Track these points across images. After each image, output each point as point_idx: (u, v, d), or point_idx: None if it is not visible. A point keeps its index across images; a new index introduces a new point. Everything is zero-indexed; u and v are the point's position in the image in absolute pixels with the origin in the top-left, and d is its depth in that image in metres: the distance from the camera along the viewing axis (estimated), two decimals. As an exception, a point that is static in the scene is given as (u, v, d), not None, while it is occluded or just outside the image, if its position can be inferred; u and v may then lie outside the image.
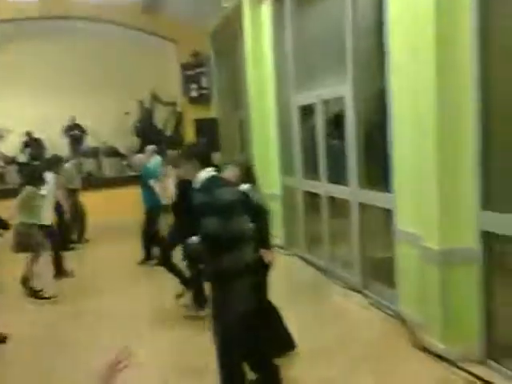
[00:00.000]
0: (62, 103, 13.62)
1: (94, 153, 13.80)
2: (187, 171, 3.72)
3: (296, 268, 7.32)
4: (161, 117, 13.88)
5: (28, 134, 13.43)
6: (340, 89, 5.95)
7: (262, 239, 4.23)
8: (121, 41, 13.32)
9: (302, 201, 7.60)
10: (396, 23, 4.65)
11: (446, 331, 4.10)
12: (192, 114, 13.13)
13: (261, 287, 4.25)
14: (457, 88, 3.88)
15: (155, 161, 8.66)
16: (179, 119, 13.75)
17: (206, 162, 3.62)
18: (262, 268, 4.25)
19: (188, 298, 5.76)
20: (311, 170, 7.17)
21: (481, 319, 3.96)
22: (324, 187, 6.69)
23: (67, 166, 10.67)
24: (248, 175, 4.39)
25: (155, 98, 13.59)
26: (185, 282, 5.94)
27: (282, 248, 8.31)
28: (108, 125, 13.52)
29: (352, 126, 5.75)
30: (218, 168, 3.78)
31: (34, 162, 13.20)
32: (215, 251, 3.42)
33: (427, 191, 4.14)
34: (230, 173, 4.16)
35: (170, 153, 7.21)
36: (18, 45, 13.42)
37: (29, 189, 6.68)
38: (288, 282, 6.70)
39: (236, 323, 3.51)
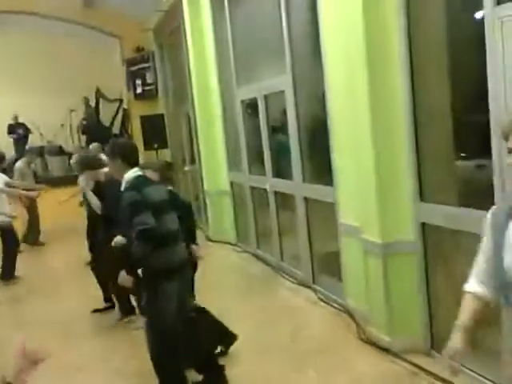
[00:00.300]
0: (3, 101, 13.15)
1: (40, 152, 13.34)
2: (114, 170, 3.63)
3: (247, 265, 7.25)
4: (107, 114, 13.57)
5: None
6: (280, 83, 5.88)
7: (191, 236, 4.28)
8: (63, 36, 12.90)
9: (250, 197, 7.53)
10: (328, 16, 4.60)
11: (391, 324, 4.10)
12: (138, 110, 12.84)
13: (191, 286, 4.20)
14: (389, 84, 3.86)
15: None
16: (126, 116, 13.46)
17: (131, 161, 3.56)
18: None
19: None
20: (257, 166, 7.10)
21: (424, 310, 3.98)
22: (270, 182, 6.63)
23: (19, 164, 10.21)
24: (166, 178, 4.32)
25: (100, 95, 13.25)
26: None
27: (233, 245, 8.24)
28: (53, 123, 13.14)
29: (293, 120, 5.69)
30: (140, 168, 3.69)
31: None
32: (149, 250, 3.33)
33: (366, 185, 4.12)
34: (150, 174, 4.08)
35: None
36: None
37: None
38: (238, 279, 6.64)
39: (171, 327, 3.44)
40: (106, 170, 5.08)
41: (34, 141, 13.49)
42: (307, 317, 5.12)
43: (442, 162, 3.86)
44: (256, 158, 7.15)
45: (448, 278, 3.88)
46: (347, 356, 4.21)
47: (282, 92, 5.82)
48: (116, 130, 13.77)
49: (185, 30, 8.79)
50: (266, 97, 6.44)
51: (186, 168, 10.71)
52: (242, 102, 7.27)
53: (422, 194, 3.85)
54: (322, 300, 5.43)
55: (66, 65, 13.02)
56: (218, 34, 7.86)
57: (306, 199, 5.74)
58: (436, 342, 3.94)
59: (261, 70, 6.67)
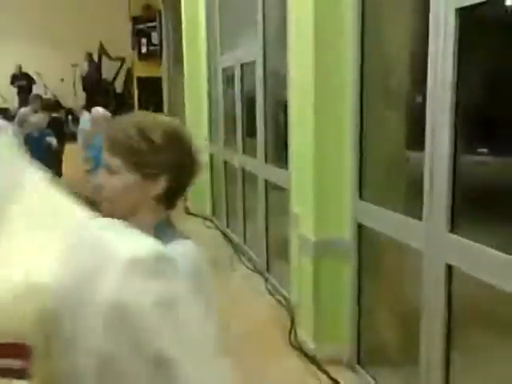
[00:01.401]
0: (7, 50, 12.88)
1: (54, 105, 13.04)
2: None
3: (211, 243, 6.87)
4: (110, 72, 13.20)
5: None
6: (252, 52, 5.40)
7: None
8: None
9: (222, 171, 7.12)
10: None
11: (317, 329, 3.70)
12: (141, 70, 12.47)
13: None
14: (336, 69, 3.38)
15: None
16: (129, 76, 13.08)
17: None
18: None
19: None
20: (231, 139, 6.67)
21: (353, 319, 3.56)
22: (238, 158, 6.20)
23: (23, 110, 9.78)
24: None
25: (103, 52, 12.87)
26: None
27: (208, 220, 7.89)
28: (55, 76, 12.84)
29: (260, 95, 5.23)
30: None
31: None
32: None
33: (305, 174, 3.68)
34: None
35: None
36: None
37: None
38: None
39: None
40: None
41: (38, 92, 13.23)
42: (246, 310, 4.74)
43: (389, 156, 3.40)
44: (232, 130, 6.71)
45: (381, 287, 3.46)
46: (269, 358, 3.83)
47: (254, 62, 5.35)
48: (119, 89, 13.43)
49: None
50: (242, 66, 5.97)
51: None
52: (224, 70, 6.80)
53: (362, 192, 3.40)
54: (269, 291, 5.05)
55: (71, 17, 12.63)
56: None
57: (266, 181, 5.31)
58: (362, 355, 3.54)
59: (241, 38, 6.18)
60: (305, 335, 3.84)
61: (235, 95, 6.20)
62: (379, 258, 3.46)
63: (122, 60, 12.90)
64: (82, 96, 13.13)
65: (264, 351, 3.93)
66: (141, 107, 10.95)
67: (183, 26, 8.27)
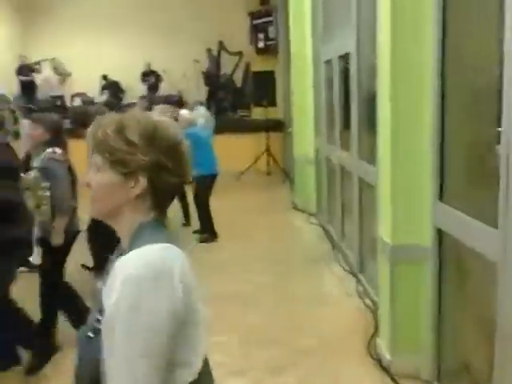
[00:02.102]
0: (137, 49, 13.67)
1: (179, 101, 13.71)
2: None
3: (312, 240, 6.75)
4: (229, 67, 13.47)
5: (104, 77, 13.71)
6: (348, 43, 5.17)
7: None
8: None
9: (325, 167, 6.95)
10: None
11: (394, 340, 3.45)
12: (259, 65, 12.57)
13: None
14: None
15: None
16: (247, 70, 13.25)
17: None
18: None
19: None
20: (331, 133, 6.47)
21: (432, 332, 3.27)
22: (337, 154, 6.00)
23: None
24: (56, 137, 3.84)
25: (222, 47, 13.15)
26: None
27: (312, 215, 7.77)
28: (178, 72, 13.37)
29: (354, 88, 4.99)
30: None
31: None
32: None
33: (383, 174, 3.44)
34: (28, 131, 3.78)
35: None
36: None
37: None
38: (293, 256, 6.18)
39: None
40: None
41: (165, 89, 13.93)
42: (332, 310, 4.58)
43: (475, 153, 3.05)
44: (332, 125, 6.51)
45: (464, 297, 3.12)
46: (346, 364, 3.66)
47: (349, 54, 5.13)
48: (238, 84, 13.67)
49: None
50: (339, 58, 5.75)
51: (289, 129, 10.28)
52: (326, 62, 6.61)
53: (443, 193, 3.09)
54: (359, 293, 4.82)
55: (192, 15, 13.06)
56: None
57: (360, 179, 5.07)
58: (442, 371, 3.23)
59: (341, 29, 5.94)
60: (382, 345, 3.61)
61: (333, 88, 6.00)
62: (461, 266, 3.12)
63: (240, 54, 13.10)
64: (203, 91, 13.57)
65: (341, 357, 3.77)
66: (255, 101, 11.05)
67: (290, 19, 8.19)
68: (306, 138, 7.97)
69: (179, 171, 1.31)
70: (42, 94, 12.94)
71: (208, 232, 6.65)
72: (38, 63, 12.91)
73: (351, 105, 5.12)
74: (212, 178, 6.58)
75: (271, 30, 12.43)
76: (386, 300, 3.48)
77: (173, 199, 1.37)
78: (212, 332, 1.47)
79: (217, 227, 6.78)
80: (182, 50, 13.09)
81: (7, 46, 13.60)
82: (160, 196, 1.30)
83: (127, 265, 1.16)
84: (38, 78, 13.10)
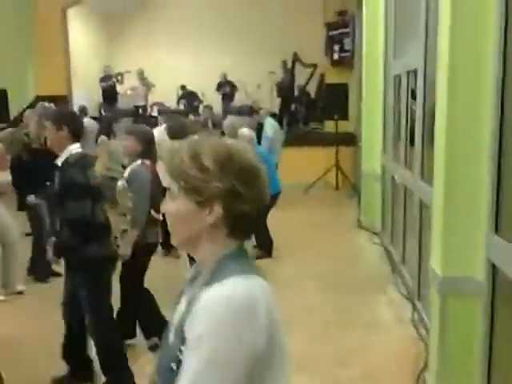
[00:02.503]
0: (214, 60, 13.94)
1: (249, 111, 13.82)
2: (55, 141, 3.37)
3: (372, 261, 6.52)
4: (303, 78, 13.40)
5: (183, 87, 14.05)
6: (416, 59, 4.95)
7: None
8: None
9: (390, 185, 6.70)
10: None
11: (442, 377, 3.22)
12: (333, 77, 12.41)
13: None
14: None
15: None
16: (321, 82, 13.12)
17: (77, 135, 3.28)
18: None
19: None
20: (397, 151, 6.24)
21: (482, 374, 3.02)
22: (400, 172, 5.76)
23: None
24: (148, 149, 3.86)
25: (296, 59, 13.10)
26: None
27: (376, 234, 7.52)
28: (253, 83, 13.48)
29: (420, 106, 4.77)
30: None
31: (190, 114, 13.87)
32: (82, 237, 3.15)
33: (436, 200, 3.23)
34: (124, 142, 3.75)
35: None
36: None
37: None
38: (347, 277, 5.95)
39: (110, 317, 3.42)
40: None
41: (239, 99, 14.08)
42: (384, 339, 4.36)
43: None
44: (398, 142, 6.27)
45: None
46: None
47: (416, 70, 4.92)
48: (312, 95, 13.58)
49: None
50: (408, 74, 5.53)
51: (360, 144, 10.04)
52: (395, 77, 6.39)
53: (499, 225, 2.85)
54: (414, 322, 4.58)
55: (268, 26, 13.14)
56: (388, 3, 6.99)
57: (421, 200, 4.82)
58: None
59: (410, 44, 5.72)
60: (430, 381, 3.38)
61: (400, 104, 5.78)
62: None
63: (315, 66, 12.99)
64: (277, 102, 13.59)
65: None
66: (327, 114, 10.90)
67: (363, 32, 8.02)
68: (374, 153, 7.74)
69: (255, 197, 1.25)
70: (124, 103, 13.41)
71: (263, 249, 6.57)
72: (120, 74, 13.43)
73: (416, 122, 4.90)
74: (273, 198, 6.52)
75: (347, 42, 12.25)
76: (436, 333, 3.27)
77: (254, 226, 1.32)
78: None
79: (278, 240, 6.70)
80: (258, 61, 13.19)
81: (94, 55, 14.30)
82: (237, 224, 1.25)
83: (212, 299, 1.14)
84: (127, 88, 13.61)
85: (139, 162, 3.86)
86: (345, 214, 9.00)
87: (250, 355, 1.11)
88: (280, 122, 11.69)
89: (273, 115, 10.67)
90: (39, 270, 5.61)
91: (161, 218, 3.92)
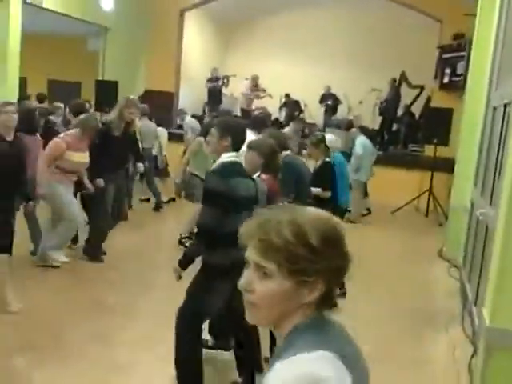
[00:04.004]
0: (319, 72, 13.98)
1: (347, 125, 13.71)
2: (214, 146, 3.46)
3: (443, 295, 6.23)
4: (407, 98, 13.03)
5: (287, 95, 14.21)
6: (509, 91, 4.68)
7: None
8: (380, 12, 12.81)
9: (475, 219, 6.35)
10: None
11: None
12: (439, 101, 11.96)
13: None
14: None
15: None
16: (427, 105, 12.69)
17: (237, 145, 3.35)
18: None
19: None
20: (486, 186, 5.91)
21: None
22: (484, 209, 5.44)
23: (286, 130, 10.90)
24: (270, 164, 3.81)
25: (404, 79, 12.75)
26: None
27: (455, 268, 7.17)
28: (356, 98, 13.34)
29: (510, 142, 4.49)
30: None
31: (290, 122, 13.99)
32: (208, 243, 3.22)
33: (496, 244, 3.05)
34: (248, 158, 3.76)
35: None
36: (292, 10, 14.22)
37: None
38: (416, 310, 5.70)
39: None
40: None
41: (341, 113, 13.98)
42: (430, 376, 4.16)
43: None
44: (488, 177, 5.94)
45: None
46: None
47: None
48: (416, 117, 13.19)
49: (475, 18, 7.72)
50: (505, 106, 5.22)
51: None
52: (494, 109, 6.06)
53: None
54: (471, 366, 4.31)
55: (378, 42, 12.93)
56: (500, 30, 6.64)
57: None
58: None
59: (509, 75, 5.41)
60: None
61: (493, 137, 5.48)
62: None
63: (422, 88, 12.58)
64: (378, 120, 13.35)
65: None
66: (427, 137, 10.56)
67: (471, 58, 7.69)
68: (465, 185, 7.38)
69: (349, 267, 1.21)
70: (228, 105, 13.78)
71: None
72: (227, 77, 13.82)
73: (505, 161, 4.62)
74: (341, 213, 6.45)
75: (460, 66, 11.74)
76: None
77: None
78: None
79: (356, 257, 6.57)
80: (363, 77, 13.04)
81: (204, 57, 14.85)
82: (330, 298, 1.18)
83: (278, 375, 1.08)
84: (233, 91, 14.01)
85: (257, 176, 3.81)
86: (428, 241, 8.66)
87: None
88: (376, 140, 11.49)
89: (369, 132, 10.50)
90: (93, 251, 5.99)
91: None
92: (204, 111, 13.65)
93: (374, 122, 13.08)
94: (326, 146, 5.70)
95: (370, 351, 4.39)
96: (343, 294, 5.79)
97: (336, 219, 1.19)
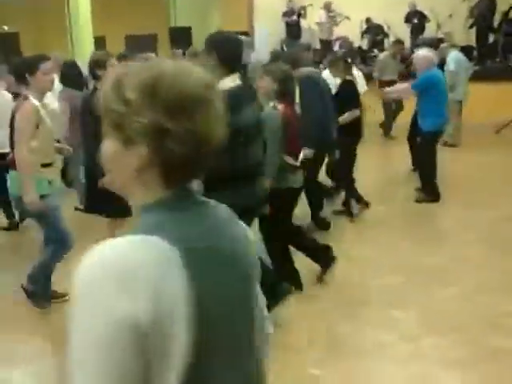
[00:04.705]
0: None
1: (436, 44, 12.67)
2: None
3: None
4: (503, 5, 11.69)
5: (368, 20, 13.35)
6: None
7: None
8: None
9: None
10: None
11: None
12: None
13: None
14: None
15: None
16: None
17: (233, 63, 2.83)
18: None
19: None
20: None
21: None
22: None
23: (382, 55, 10.24)
24: (284, 89, 3.57)
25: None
26: None
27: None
28: (445, 12, 12.20)
29: None
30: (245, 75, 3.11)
31: (374, 49, 13.16)
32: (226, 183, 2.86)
33: None
34: (261, 83, 3.44)
35: None
36: None
37: None
38: None
39: None
40: None
41: (430, 31, 12.89)
42: None
43: None
44: None
45: None
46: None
47: None
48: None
49: None
50: None
51: None
52: None
53: None
54: None
55: None
56: None
57: None
58: None
59: None
60: None
61: None
62: None
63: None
64: (472, 33, 12.16)
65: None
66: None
67: None
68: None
69: (192, 135, 0.98)
70: (308, 37, 13.14)
71: (427, 192, 6.03)
72: (303, 7, 13.15)
73: None
74: (438, 135, 5.93)
75: None
76: None
77: (192, 172, 1.05)
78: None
79: (451, 186, 6.09)
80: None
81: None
82: (173, 170, 1.02)
83: (87, 259, 0.95)
84: (310, 23, 13.33)
85: (272, 104, 3.66)
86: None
87: (121, 330, 0.89)
88: (472, 55, 10.53)
89: (462, 48, 9.59)
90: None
91: (297, 163, 3.76)
92: (282, 48, 13.15)
93: (467, 38, 11.96)
94: (346, 63, 5.55)
95: (479, 274, 4.11)
96: (366, 205, 5.57)
97: (175, 71, 0.99)
